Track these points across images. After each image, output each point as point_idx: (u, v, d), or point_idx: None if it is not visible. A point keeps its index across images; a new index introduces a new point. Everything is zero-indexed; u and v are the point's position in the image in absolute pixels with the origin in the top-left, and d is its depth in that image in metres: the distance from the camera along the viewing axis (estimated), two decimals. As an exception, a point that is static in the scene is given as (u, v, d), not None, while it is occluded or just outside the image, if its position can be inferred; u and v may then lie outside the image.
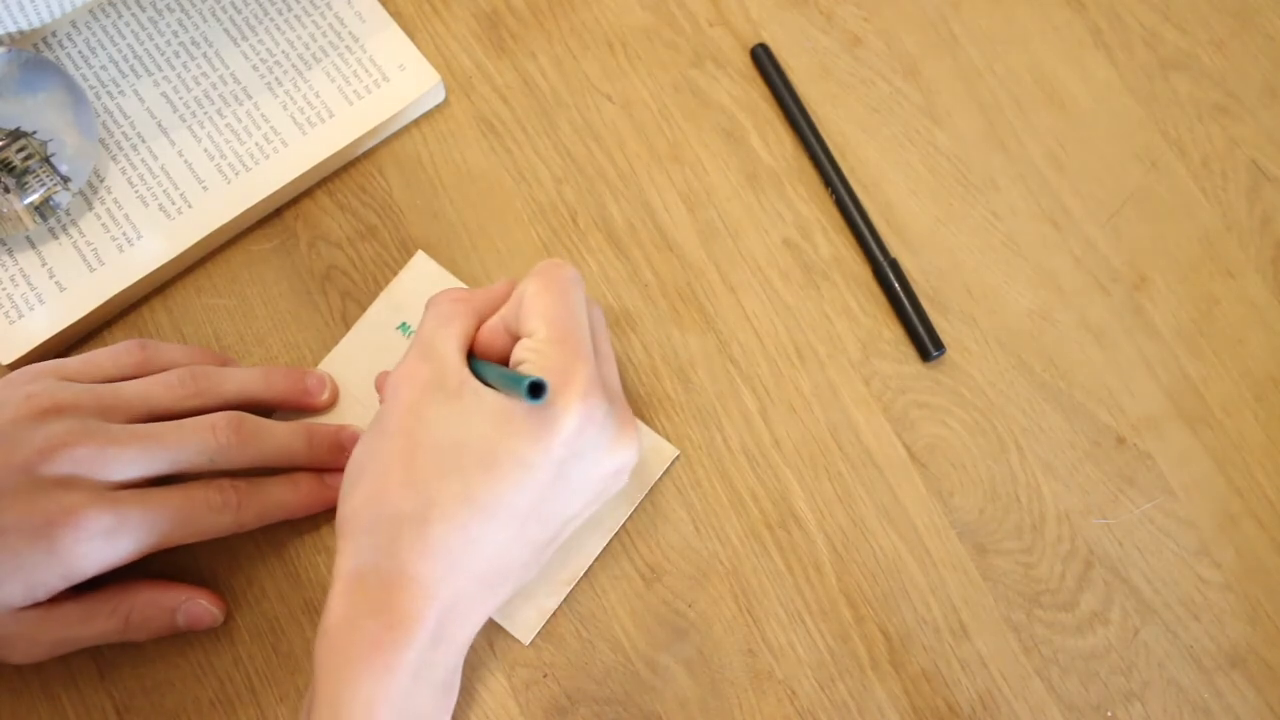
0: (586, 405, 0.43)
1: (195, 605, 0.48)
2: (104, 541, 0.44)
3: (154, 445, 0.45)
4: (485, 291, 0.48)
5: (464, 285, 0.53)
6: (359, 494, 0.44)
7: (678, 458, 0.51)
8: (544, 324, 0.44)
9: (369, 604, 0.42)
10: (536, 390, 0.41)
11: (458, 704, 0.48)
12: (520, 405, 0.43)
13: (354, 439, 0.50)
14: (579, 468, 0.44)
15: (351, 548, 0.43)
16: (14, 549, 0.43)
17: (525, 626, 0.49)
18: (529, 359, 0.44)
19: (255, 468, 0.48)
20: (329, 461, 0.50)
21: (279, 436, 0.48)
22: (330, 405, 0.52)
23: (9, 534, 0.43)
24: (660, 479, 0.51)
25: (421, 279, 0.53)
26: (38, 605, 0.44)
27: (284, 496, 0.49)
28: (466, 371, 0.45)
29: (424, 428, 0.44)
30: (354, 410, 0.52)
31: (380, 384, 0.50)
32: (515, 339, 0.46)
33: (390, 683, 0.41)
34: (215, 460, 0.46)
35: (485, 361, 0.46)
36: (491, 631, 0.49)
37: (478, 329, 0.47)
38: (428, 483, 0.43)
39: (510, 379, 0.42)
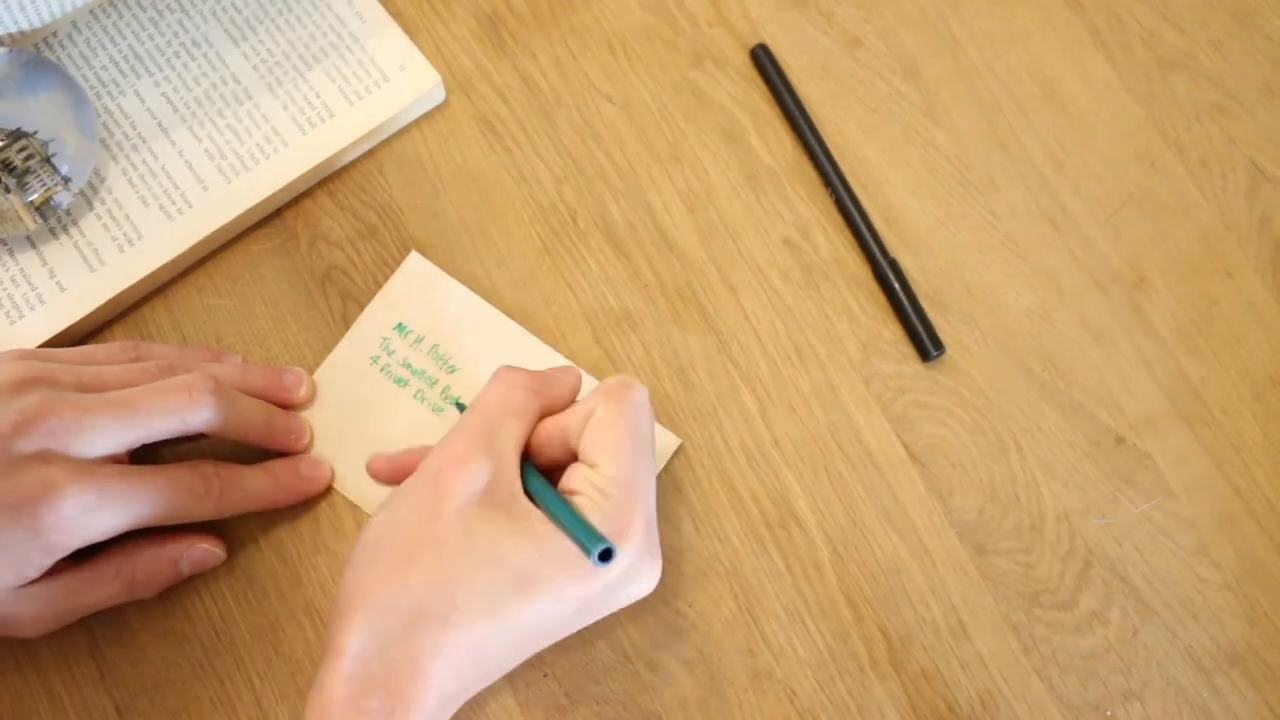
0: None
1: (196, 550, 0.48)
2: (86, 518, 0.43)
3: (127, 411, 0.44)
4: (558, 385, 0.47)
5: (460, 285, 0.53)
6: (377, 568, 0.43)
7: (680, 447, 0.51)
8: (611, 460, 0.43)
9: (372, 686, 0.41)
10: (606, 556, 0.40)
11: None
12: (570, 542, 0.42)
13: (300, 428, 0.51)
14: (604, 601, 0.45)
15: (360, 624, 0.42)
16: None
17: None
18: (587, 494, 0.43)
19: (219, 436, 0.48)
20: (280, 441, 0.50)
21: (246, 405, 0.48)
22: (308, 401, 0.52)
23: None
24: (660, 475, 0.51)
25: (416, 279, 0.53)
26: (37, 581, 0.44)
27: (263, 486, 0.49)
28: (519, 483, 0.44)
29: (464, 529, 0.43)
30: (348, 413, 0.52)
31: (384, 466, 0.50)
32: (570, 452, 0.45)
33: None
34: (188, 423, 0.46)
35: (546, 486, 0.44)
36: (492, 631, 0.49)
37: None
38: (455, 585, 0.42)
39: (580, 530, 0.42)
